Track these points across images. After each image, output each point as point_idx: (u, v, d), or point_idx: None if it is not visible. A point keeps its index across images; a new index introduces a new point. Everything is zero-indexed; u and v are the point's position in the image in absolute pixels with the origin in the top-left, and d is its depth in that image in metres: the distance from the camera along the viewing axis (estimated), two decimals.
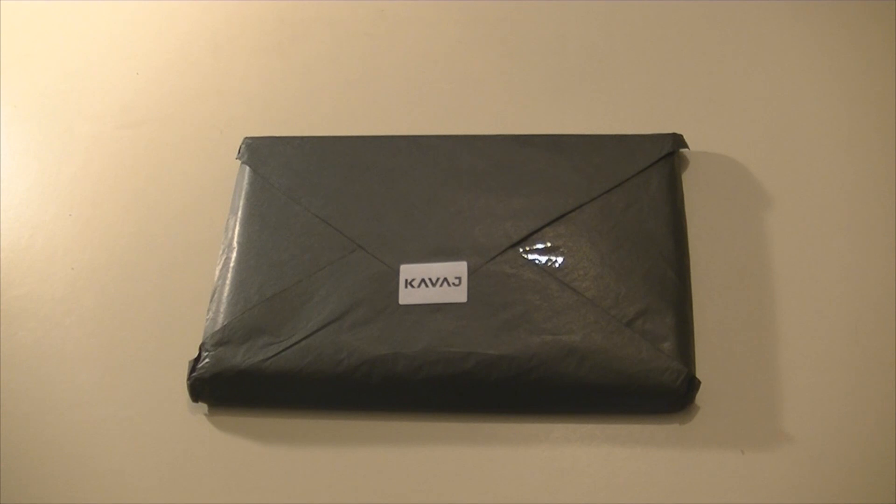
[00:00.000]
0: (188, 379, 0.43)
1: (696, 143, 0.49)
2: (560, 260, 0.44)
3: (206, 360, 0.43)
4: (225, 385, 0.43)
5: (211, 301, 0.45)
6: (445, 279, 0.44)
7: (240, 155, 0.50)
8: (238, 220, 0.48)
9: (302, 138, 0.50)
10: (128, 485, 0.42)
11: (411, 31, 0.57)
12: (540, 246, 0.45)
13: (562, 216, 0.46)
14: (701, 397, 0.42)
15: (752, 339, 0.44)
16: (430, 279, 0.44)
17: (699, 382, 0.41)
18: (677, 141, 0.48)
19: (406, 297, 0.44)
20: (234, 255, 0.46)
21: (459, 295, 0.43)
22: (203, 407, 0.44)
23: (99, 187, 0.52)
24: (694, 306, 0.44)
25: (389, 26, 0.57)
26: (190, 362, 0.43)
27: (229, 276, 0.46)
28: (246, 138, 0.51)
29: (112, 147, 0.54)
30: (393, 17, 0.58)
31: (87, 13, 0.60)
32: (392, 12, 0.58)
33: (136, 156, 0.53)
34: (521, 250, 0.45)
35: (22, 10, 0.60)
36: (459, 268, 0.44)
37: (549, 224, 0.46)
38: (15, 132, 0.55)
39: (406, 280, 0.44)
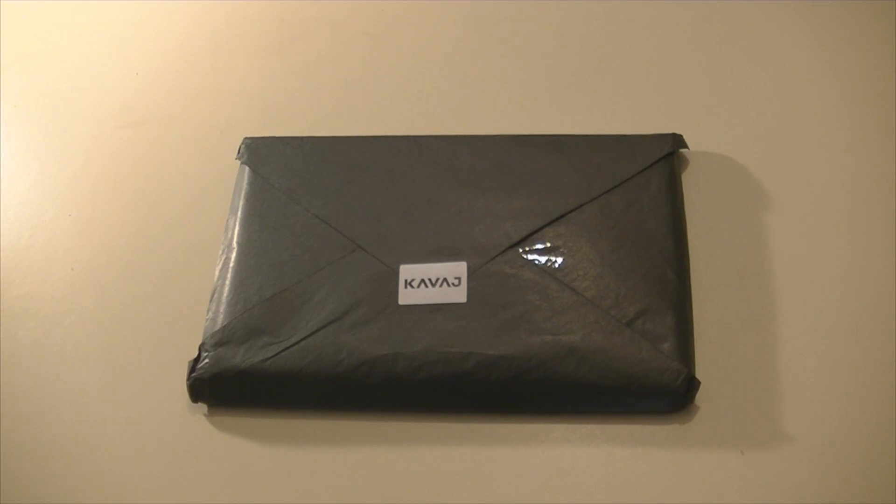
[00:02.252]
0: (188, 379, 0.43)
1: (695, 144, 0.49)
2: (560, 260, 0.44)
3: (206, 360, 0.43)
4: (225, 385, 0.43)
5: (211, 301, 0.45)
6: (445, 279, 0.44)
7: (239, 155, 0.50)
8: (238, 220, 0.47)
9: (302, 138, 0.50)
10: (128, 485, 0.42)
11: (411, 31, 0.57)
12: (540, 246, 0.45)
13: (562, 216, 0.46)
14: (701, 397, 0.42)
15: (752, 339, 0.44)
16: (429, 279, 0.44)
17: (699, 382, 0.41)
18: (677, 141, 0.48)
19: (406, 297, 0.44)
20: (233, 255, 0.46)
21: (459, 295, 0.43)
22: (203, 407, 0.44)
23: (99, 187, 0.52)
24: (694, 306, 0.44)
25: (389, 26, 0.57)
26: (189, 362, 0.43)
27: (229, 276, 0.46)
28: (245, 138, 0.51)
29: (112, 147, 0.54)
30: (393, 17, 0.58)
31: (87, 13, 0.60)
32: (392, 12, 0.58)
33: (136, 156, 0.53)
34: (520, 250, 0.45)
35: (22, 10, 0.60)
36: (459, 268, 0.44)
37: (548, 224, 0.45)
38: (15, 132, 0.55)
39: (406, 280, 0.44)
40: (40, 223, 0.51)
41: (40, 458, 0.43)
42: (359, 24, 0.58)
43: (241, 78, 0.56)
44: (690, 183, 0.49)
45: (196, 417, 0.43)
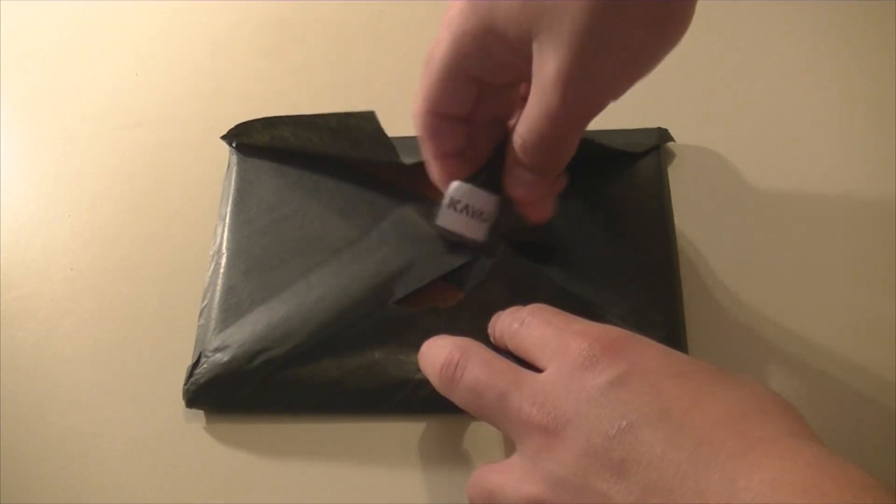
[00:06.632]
0: (184, 384, 0.43)
1: (681, 137, 0.49)
2: (549, 258, 0.44)
3: (204, 365, 0.43)
4: (221, 391, 0.43)
5: (202, 307, 0.45)
6: (481, 212, 0.41)
7: (230, 153, 0.50)
8: (226, 226, 0.47)
9: (296, 150, 0.50)
10: (125, 487, 0.42)
11: (411, 32, 0.57)
12: (530, 246, 0.45)
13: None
14: None
15: (744, 334, 0.44)
16: (470, 206, 0.41)
17: None
18: (663, 135, 0.48)
19: (443, 217, 0.42)
20: (223, 260, 0.46)
21: (479, 231, 0.42)
22: (200, 412, 0.44)
23: (99, 187, 0.52)
24: (684, 301, 0.44)
25: (389, 27, 0.57)
26: (188, 368, 0.43)
27: (220, 281, 0.46)
28: (236, 143, 0.51)
29: (111, 147, 0.54)
30: (393, 19, 0.58)
31: (88, 13, 0.60)
32: (392, 12, 0.58)
33: (136, 156, 0.53)
34: (512, 251, 0.45)
35: (22, 10, 0.60)
36: (493, 201, 0.41)
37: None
38: (14, 132, 0.55)
39: (453, 199, 0.42)
40: (40, 223, 0.51)
41: (39, 458, 0.43)
42: (358, 25, 0.57)
43: (240, 78, 0.56)
44: (677, 177, 0.49)
45: (192, 422, 0.43)
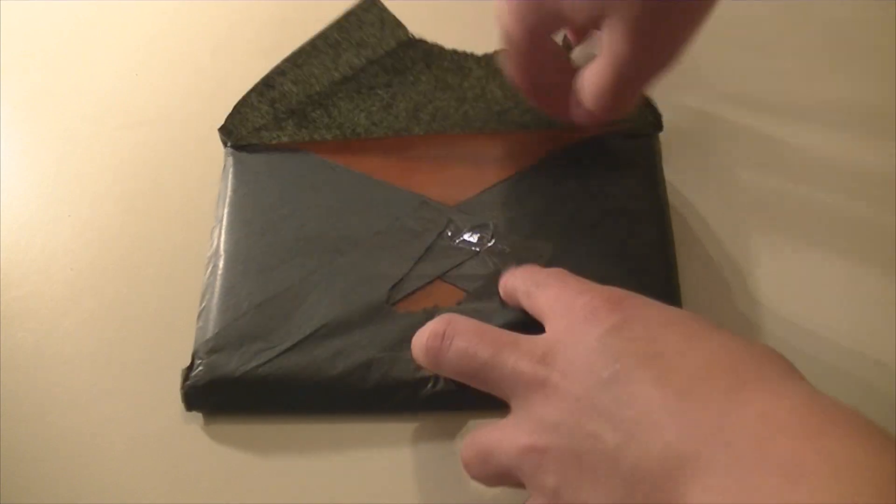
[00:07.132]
0: (181, 388, 0.43)
1: (678, 131, 0.49)
2: (547, 251, 0.44)
3: (199, 368, 0.43)
4: (219, 393, 0.42)
5: (200, 309, 0.45)
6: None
7: (225, 154, 0.50)
8: (223, 227, 0.47)
9: (290, 151, 0.50)
10: (125, 487, 0.42)
11: (411, 31, 0.57)
12: (529, 245, 0.45)
13: (548, 207, 0.46)
14: None
15: (742, 329, 0.44)
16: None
17: None
18: (657, 122, 0.48)
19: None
20: (221, 262, 0.46)
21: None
22: (199, 414, 0.43)
23: (98, 187, 0.52)
24: (682, 299, 0.44)
25: None
26: (182, 371, 0.43)
27: (217, 283, 0.45)
28: (231, 148, 0.50)
29: (112, 147, 0.54)
30: None
31: (88, 13, 0.60)
32: (392, 12, 0.58)
33: (136, 156, 0.53)
34: (507, 249, 0.45)
35: (22, 10, 0.60)
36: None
37: (539, 223, 0.46)
38: (14, 132, 0.55)
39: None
40: (40, 223, 0.51)
41: (39, 458, 0.43)
42: None
43: (241, 78, 0.56)
44: (674, 173, 0.48)
45: (192, 422, 0.43)
